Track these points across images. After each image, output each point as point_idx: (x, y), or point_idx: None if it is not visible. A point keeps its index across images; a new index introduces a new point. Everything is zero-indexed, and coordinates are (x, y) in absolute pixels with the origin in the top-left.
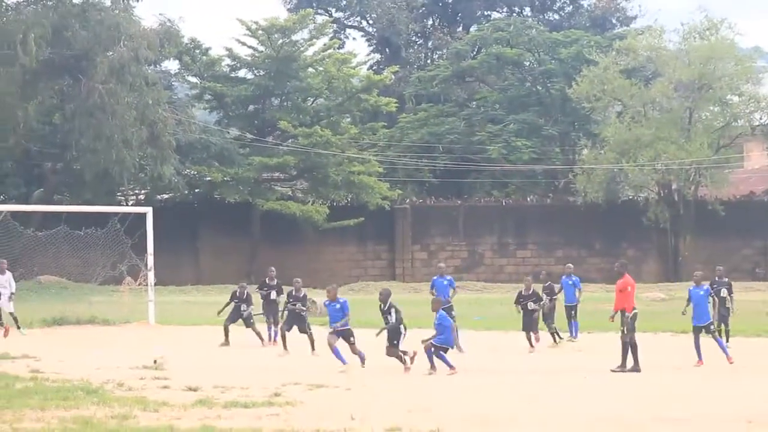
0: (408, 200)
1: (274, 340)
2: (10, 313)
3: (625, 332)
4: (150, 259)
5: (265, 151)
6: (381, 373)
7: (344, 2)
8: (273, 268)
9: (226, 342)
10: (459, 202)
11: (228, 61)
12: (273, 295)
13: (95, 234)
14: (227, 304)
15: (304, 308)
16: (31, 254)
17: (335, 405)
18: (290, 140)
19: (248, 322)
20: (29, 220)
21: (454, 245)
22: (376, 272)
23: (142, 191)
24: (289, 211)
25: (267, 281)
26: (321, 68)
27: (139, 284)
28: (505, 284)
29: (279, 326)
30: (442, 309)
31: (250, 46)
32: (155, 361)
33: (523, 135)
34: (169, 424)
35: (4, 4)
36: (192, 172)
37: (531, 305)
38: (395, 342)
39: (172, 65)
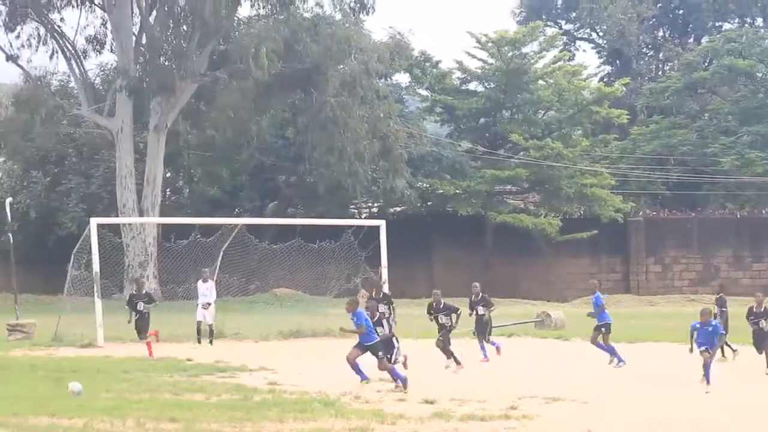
0: (641, 212)
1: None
2: (209, 325)
3: None
4: (384, 272)
5: (496, 164)
6: (616, 386)
7: (574, 14)
8: (476, 284)
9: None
10: (693, 214)
11: (458, 74)
12: (481, 310)
13: (329, 247)
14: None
15: (450, 321)
16: (267, 267)
17: (572, 419)
18: (521, 153)
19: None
20: (264, 233)
21: (688, 258)
22: (610, 285)
23: (375, 204)
24: (522, 224)
25: (473, 298)
26: (551, 80)
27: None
28: (739, 298)
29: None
30: None
31: (480, 59)
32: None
33: (757, 147)
34: None
35: (236, 18)
36: (424, 185)
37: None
38: (388, 355)
39: (402, 78)
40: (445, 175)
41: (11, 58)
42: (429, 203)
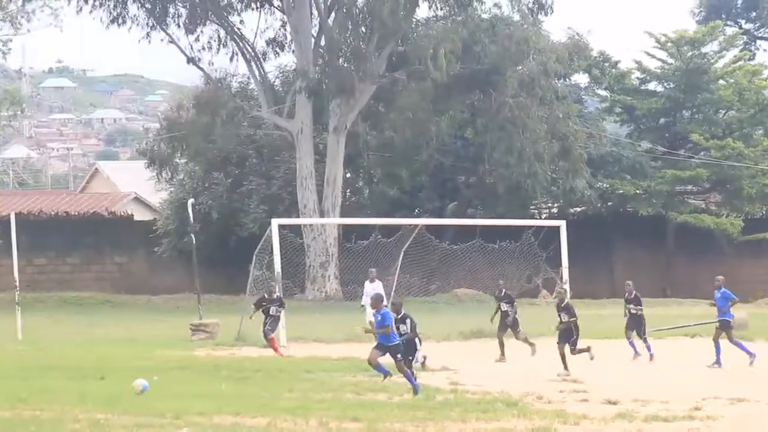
0: None
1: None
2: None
3: None
4: (565, 273)
5: (677, 164)
6: None
7: (754, 14)
8: (629, 282)
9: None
10: None
11: (637, 74)
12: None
13: (509, 247)
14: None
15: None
16: (447, 267)
17: (757, 420)
18: (702, 153)
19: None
20: (443, 234)
21: None
22: None
23: (555, 204)
24: (703, 224)
25: (626, 296)
26: (731, 80)
27: (554, 297)
28: None
29: None
30: None
31: (659, 59)
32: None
33: None
34: None
35: (414, 19)
36: (604, 185)
37: None
38: (410, 357)
39: (581, 79)
40: (625, 175)
41: (192, 61)
42: (609, 203)
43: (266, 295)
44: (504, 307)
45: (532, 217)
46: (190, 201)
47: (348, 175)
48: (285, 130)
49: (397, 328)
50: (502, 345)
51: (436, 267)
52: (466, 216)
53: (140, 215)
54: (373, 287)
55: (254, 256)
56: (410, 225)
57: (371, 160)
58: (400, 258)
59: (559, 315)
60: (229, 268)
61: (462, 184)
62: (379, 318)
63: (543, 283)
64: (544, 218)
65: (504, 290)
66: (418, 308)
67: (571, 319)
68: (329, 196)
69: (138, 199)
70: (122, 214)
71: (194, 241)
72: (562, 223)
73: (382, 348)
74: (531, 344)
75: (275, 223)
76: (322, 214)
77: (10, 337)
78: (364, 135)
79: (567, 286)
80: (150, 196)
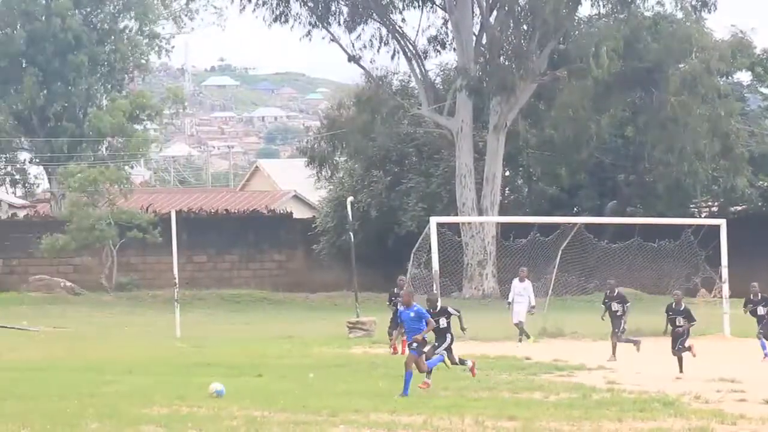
0: None
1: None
2: (519, 322)
3: None
4: (724, 272)
5: None
6: None
7: None
8: (755, 284)
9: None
10: None
11: None
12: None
13: (668, 246)
14: None
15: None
16: (605, 266)
17: None
18: None
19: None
20: (603, 232)
21: None
22: None
23: (715, 203)
24: None
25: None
26: None
27: (713, 296)
28: None
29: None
30: None
31: None
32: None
33: None
34: None
35: (576, 17)
36: (765, 184)
37: None
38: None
39: (744, 77)
40: None
41: (353, 59)
42: None
43: (395, 291)
44: (615, 306)
45: (692, 215)
46: (350, 199)
47: (507, 173)
48: (445, 128)
49: (437, 322)
50: (614, 346)
51: (594, 266)
52: (626, 215)
53: (299, 213)
54: (523, 286)
55: (412, 254)
56: (569, 224)
57: (531, 158)
58: (558, 256)
59: (675, 318)
60: (387, 267)
61: (621, 182)
62: (412, 315)
63: (702, 283)
64: (704, 217)
65: (616, 290)
66: (575, 306)
67: (691, 323)
68: (488, 194)
69: (297, 197)
70: (281, 212)
71: (352, 239)
72: (722, 222)
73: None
74: (634, 342)
75: (434, 221)
76: (480, 213)
77: (169, 334)
78: (524, 133)
79: (726, 285)
80: (309, 194)
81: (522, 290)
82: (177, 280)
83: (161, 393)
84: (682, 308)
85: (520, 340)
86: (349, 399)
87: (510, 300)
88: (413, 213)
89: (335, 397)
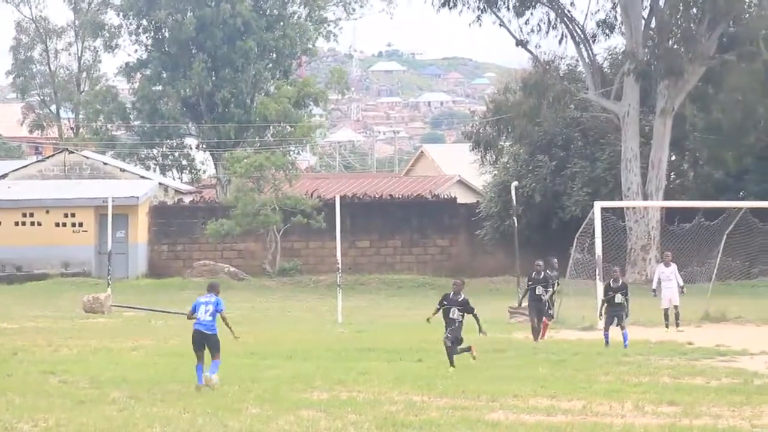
0: None
1: None
2: (675, 306)
3: None
4: None
5: None
6: None
7: None
8: None
9: None
10: None
11: None
12: None
13: None
14: None
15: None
16: None
17: None
18: None
19: None
20: None
21: None
22: None
23: None
24: None
25: None
26: None
27: None
28: None
29: None
30: None
31: None
32: None
33: None
34: None
35: (746, 0)
36: None
37: None
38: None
39: None
40: None
41: (521, 44)
42: None
43: (533, 274)
44: (539, 290)
45: None
46: (514, 184)
47: (673, 157)
48: (611, 113)
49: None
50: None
51: (759, 251)
52: None
53: (463, 198)
54: (670, 270)
55: (575, 239)
56: (734, 208)
57: (697, 142)
58: (723, 241)
59: None
60: (550, 252)
61: None
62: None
63: None
64: None
65: (543, 273)
66: (738, 291)
67: None
68: (653, 178)
69: (462, 182)
70: (445, 196)
71: (516, 224)
72: None
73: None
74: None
75: (598, 205)
76: (645, 197)
77: (331, 319)
78: (691, 117)
79: None
80: (474, 179)
81: (670, 274)
82: (340, 266)
83: (321, 378)
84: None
85: (678, 325)
86: (508, 384)
87: (654, 287)
88: (577, 198)
89: (495, 382)
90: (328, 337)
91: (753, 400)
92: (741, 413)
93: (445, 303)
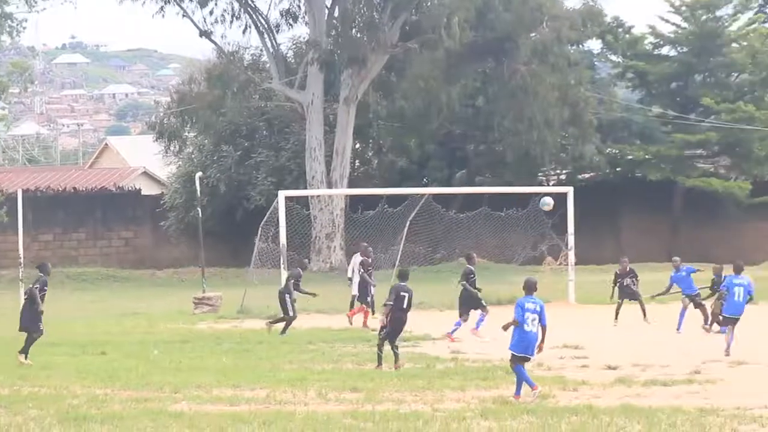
0: None
1: None
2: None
3: None
4: (570, 239)
5: (687, 129)
6: None
7: None
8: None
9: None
10: None
11: (651, 39)
12: None
13: (516, 215)
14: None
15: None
16: (453, 236)
17: (757, 383)
18: (712, 117)
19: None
20: (451, 202)
21: None
22: None
23: (563, 171)
24: (711, 188)
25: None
26: (745, 43)
27: (559, 264)
28: None
29: None
30: None
31: (673, 23)
32: None
33: None
34: (588, 403)
35: None
36: (613, 151)
37: None
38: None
39: (594, 45)
40: (634, 140)
41: (205, 34)
42: (618, 169)
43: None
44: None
45: (540, 184)
46: (198, 174)
47: (357, 145)
48: (296, 102)
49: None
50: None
51: (441, 236)
52: (475, 184)
53: (149, 190)
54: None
55: (260, 229)
56: (417, 194)
57: (381, 130)
58: (406, 227)
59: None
60: (235, 241)
61: (471, 152)
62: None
63: (548, 250)
64: (552, 185)
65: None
66: (421, 277)
67: None
68: (338, 167)
69: (147, 174)
70: (130, 188)
71: (200, 215)
72: (569, 190)
73: None
74: None
75: (282, 194)
76: (330, 185)
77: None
78: (375, 105)
79: (572, 253)
80: (159, 171)
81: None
82: (22, 260)
83: (3, 374)
84: None
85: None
86: (192, 375)
87: (350, 275)
88: (262, 187)
89: (179, 373)
90: (7, 332)
91: (435, 384)
92: (423, 397)
93: None
